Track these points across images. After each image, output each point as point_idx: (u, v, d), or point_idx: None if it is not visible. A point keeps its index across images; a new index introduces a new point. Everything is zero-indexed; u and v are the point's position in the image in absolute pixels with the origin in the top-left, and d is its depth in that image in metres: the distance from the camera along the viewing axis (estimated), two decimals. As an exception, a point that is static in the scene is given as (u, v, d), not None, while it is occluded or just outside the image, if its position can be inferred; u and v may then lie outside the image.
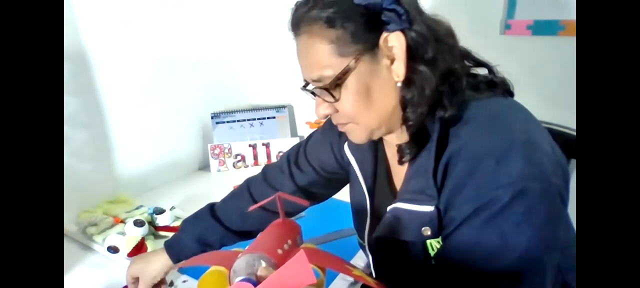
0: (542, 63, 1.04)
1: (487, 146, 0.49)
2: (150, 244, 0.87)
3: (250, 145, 1.39)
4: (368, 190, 0.67)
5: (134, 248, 0.84)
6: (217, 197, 1.14)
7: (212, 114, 1.39)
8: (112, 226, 0.94)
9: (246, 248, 0.54)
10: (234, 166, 1.39)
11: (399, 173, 0.63)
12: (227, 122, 1.41)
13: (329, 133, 0.77)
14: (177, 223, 0.95)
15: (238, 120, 1.42)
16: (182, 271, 0.84)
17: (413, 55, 0.52)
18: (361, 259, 0.86)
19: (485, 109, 0.53)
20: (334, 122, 0.60)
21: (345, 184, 0.80)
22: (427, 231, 0.54)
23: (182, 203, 1.10)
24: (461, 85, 0.54)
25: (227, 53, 1.44)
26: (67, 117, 0.97)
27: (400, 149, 0.58)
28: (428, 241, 0.55)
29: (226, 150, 1.38)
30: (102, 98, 1.06)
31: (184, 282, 0.81)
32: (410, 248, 0.57)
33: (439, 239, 0.55)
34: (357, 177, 0.68)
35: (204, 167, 1.42)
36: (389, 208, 0.59)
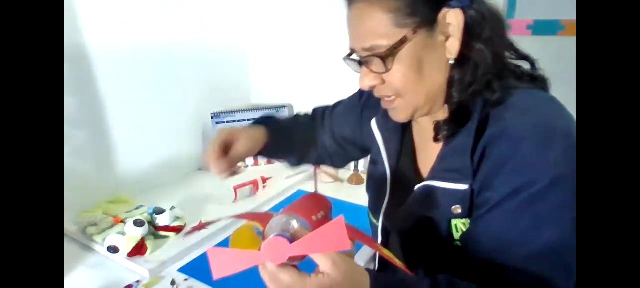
0: (542, 63, 1.04)
1: (529, 131, 0.50)
2: (150, 244, 0.87)
3: (250, 145, 1.39)
4: (390, 168, 0.67)
5: (134, 248, 0.84)
6: (217, 197, 1.14)
7: (212, 114, 1.39)
8: (112, 226, 0.94)
9: (280, 211, 0.55)
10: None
11: (425, 155, 0.64)
12: (227, 122, 1.41)
13: (357, 106, 0.78)
14: (177, 223, 0.95)
15: (238, 120, 1.42)
16: (182, 271, 0.84)
17: (470, 33, 0.53)
18: (362, 259, 0.86)
19: (529, 97, 0.54)
20: (377, 95, 0.60)
21: (347, 163, 0.84)
22: (457, 209, 0.55)
23: (182, 203, 1.10)
24: (508, 71, 0.56)
25: (227, 53, 1.44)
26: (67, 116, 0.97)
27: (437, 126, 0.58)
28: (453, 222, 0.56)
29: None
30: (102, 98, 1.06)
31: (185, 280, 0.81)
32: (435, 227, 0.58)
33: (466, 221, 0.56)
34: (381, 154, 0.68)
35: (204, 167, 1.43)
36: (418, 185, 0.60)
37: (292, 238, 0.47)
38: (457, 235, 0.57)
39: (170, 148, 1.29)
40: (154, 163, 1.24)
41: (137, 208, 1.03)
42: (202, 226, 0.67)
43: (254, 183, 1.18)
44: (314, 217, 0.54)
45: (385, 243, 0.69)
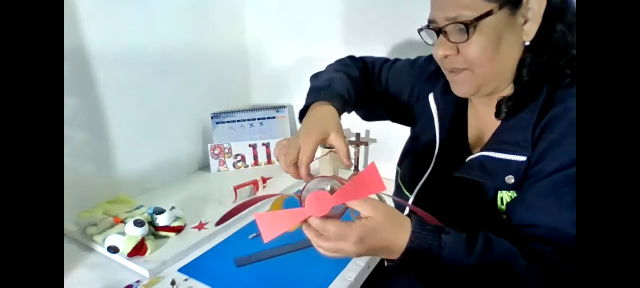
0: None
1: None
2: (150, 244, 0.87)
3: (250, 145, 1.39)
4: (441, 141, 0.71)
5: (134, 248, 0.84)
6: (217, 197, 1.14)
7: (212, 114, 1.39)
8: (112, 226, 0.94)
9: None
10: (234, 166, 1.39)
11: (478, 131, 0.68)
12: (227, 122, 1.41)
13: (418, 73, 0.81)
14: (177, 223, 0.95)
15: (238, 120, 1.42)
16: (182, 271, 0.84)
17: (549, 18, 0.56)
18: (362, 259, 0.86)
19: None
20: (448, 66, 0.63)
21: (372, 119, 0.91)
22: (510, 179, 0.58)
23: (182, 203, 1.10)
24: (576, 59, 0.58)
25: (227, 53, 1.44)
26: (67, 117, 0.97)
27: (499, 104, 0.62)
28: (500, 194, 0.60)
29: (226, 150, 1.38)
30: (102, 98, 1.06)
31: (185, 280, 0.81)
32: (480, 197, 0.61)
33: (512, 193, 0.59)
34: (433, 125, 0.72)
35: (204, 167, 1.42)
36: (473, 155, 0.64)
37: (331, 192, 0.51)
38: (502, 207, 0.60)
39: (170, 148, 1.29)
40: (154, 163, 1.24)
41: (137, 208, 1.03)
42: (242, 208, 0.68)
43: (254, 183, 1.17)
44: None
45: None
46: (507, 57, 0.59)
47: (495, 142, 0.62)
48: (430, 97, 0.74)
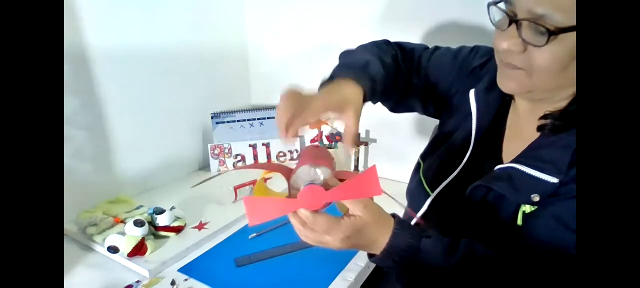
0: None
1: None
2: (150, 244, 0.87)
3: (250, 145, 1.39)
4: (475, 142, 0.66)
5: (134, 248, 0.84)
6: (217, 197, 1.14)
7: (212, 114, 1.39)
8: (112, 226, 0.94)
9: (299, 160, 0.59)
10: (234, 166, 1.39)
11: (514, 140, 0.63)
12: (227, 122, 1.41)
13: (461, 65, 0.74)
14: (177, 223, 0.95)
15: (238, 120, 1.42)
16: (182, 271, 0.84)
17: None
18: (362, 259, 0.86)
19: None
20: (504, 59, 0.56)
21: (405, 111, 0.83)
22: (535, 197, 0.54)
23: (182, 203, 1.10)
24: None
25: (227, 53, 1.44)
26: (67, 117, 0.97)
27: (546, 117, 0.57)
28: (523, 207, 0.56)
29: (226, 150, 1.38)
30: (102, 98, 1.06)
31: (185, 280, 0.81)
32: (502, 207, 0.58)
33: (534, 207, 0.55)
34: (470, 124, 0.67)
35: (204, 167, 1.42)
36: (503, 165, 0.60)
37: (325, 187, 0.51)
38: (519, 220, 0.57)
39: (170, 148, 1.29)
40: (154, 163, 1.24)
41: (137, 208, 1.03)
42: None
43: (254, 183, 1.17)
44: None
45: (426, 216, 0.68)
46: (571, 78, 0.52)
47: (530, 157, 0.57)
48: (471, 93, 0.68)
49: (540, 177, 0.55)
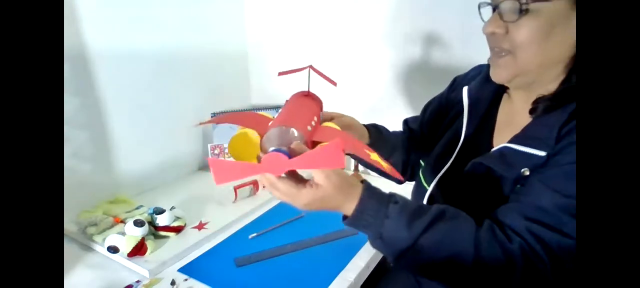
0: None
1: None
2: (150, 244, 0.87)
3: (250, 145, 1.39)
4: (466, 136, 0.71)
5: (134, 248, 0.84)
6: (217, 197, 1.14)
7: (212, 114, 1.39)
8: (112, 226, 0.94)
9: (276, 116, 0.59)
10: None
11: (507, 131, 0.67)
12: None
13: (443, 95, 0.83)
14: (177, 223, 0.95)
15: (238, 120, 1.42)
16: (182, 271, 0.84)
17: None
18: (362, 259, 0.86)
19: None
20: (493, 45, 0.62)
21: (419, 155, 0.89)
22: (526, 172, 0.58)
23: (182, 203, 1.10)
24: None
25: (227, 53, 1.44)
26: (67, 117, 0.97)
27: (537, 101, 0.61)
28: (517, 188, 0.60)
29: (226, 150, 1.38)
30: (102, 98, 1.06)
31: (185, 280, 0.81)
32: (499, 189, 0.61)
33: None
34: (461, 120, 0.72)
35: (204, 167, 1.43)
36: (497, 147, 0.63)
37: (290, 153, 0.51)
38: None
39: (170, 148, 1.29)
40: (154, 163, 1.24)
41: (137, 208, 1.03)
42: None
43: (254, 184, 1.18)
44: (308, 127, 0.58)
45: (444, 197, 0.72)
46: (555, 53, 0.57)
47: (521, 137, 0.61)
48: (465, 89, 0.73)
49: (530, 151, 0.58)
